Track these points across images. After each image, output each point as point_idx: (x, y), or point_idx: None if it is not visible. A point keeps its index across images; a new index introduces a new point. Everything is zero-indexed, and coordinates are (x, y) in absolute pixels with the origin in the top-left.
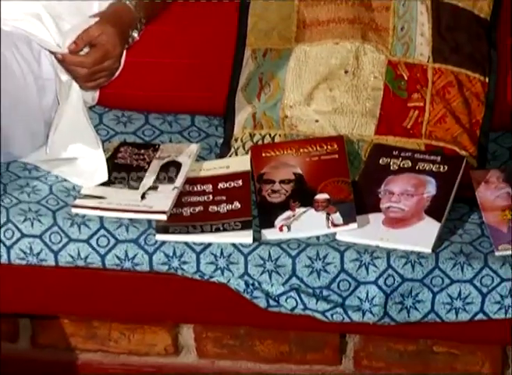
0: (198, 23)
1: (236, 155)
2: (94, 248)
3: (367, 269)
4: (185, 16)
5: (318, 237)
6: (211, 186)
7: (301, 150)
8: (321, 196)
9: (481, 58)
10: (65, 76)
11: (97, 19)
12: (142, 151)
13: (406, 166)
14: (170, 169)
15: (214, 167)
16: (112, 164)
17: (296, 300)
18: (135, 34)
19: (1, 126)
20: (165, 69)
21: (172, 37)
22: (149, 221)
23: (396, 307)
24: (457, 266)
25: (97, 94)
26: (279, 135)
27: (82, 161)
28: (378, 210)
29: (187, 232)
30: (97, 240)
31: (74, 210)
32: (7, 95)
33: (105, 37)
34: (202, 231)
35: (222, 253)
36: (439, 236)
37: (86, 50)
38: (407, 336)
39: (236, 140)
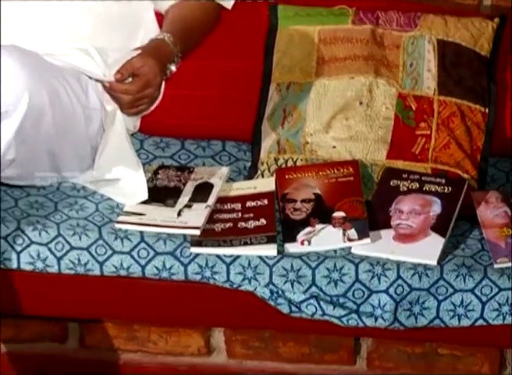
0: (228, 59)
1: (263, 177)
2: (135, 260)
3: (379, 279)
4: (216, 52)
5: (335, 251)
6: (239, 204)
7: (320, 173)
8: (338, 214)
9: (481, 91)
10: (110, 106)
11: (139, 52)
12: (178, 173)
13: (414, 187)
14: (203, 189)
15: (242, 188)
16: (152, 184)
17: (315, 306)
18: (172, 67)
19: (53, 151)
20: (199, 100)
21: (206, 72)
22: (184, 235)
23: (405, 313)
24: (460, 277)
25: (138, 122)
26: (301, 159)
27: (125, 182)
28: (389, 227)
29: (218, 245)
30: (138, 252)
31: (117, 226)
32: (58, 123)
33: (147, 68)
34: (232, 245)
35: (249, 264)
36: (444, 250)
37: (129, 80)
38: (414, 339)
39: (262, 163)
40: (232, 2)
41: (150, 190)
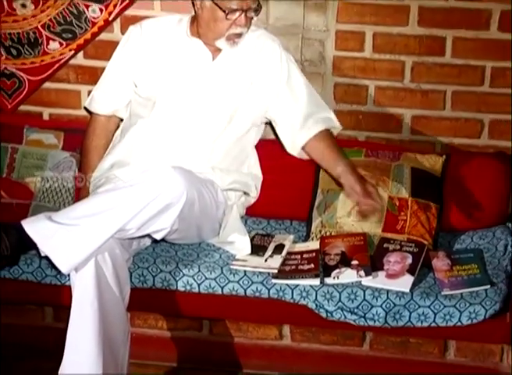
0: (295, 175)
1: (313, 240)
2: (241, 285)
3: (376, 299)
4: (288, 171)
5: (352, 283)
6: (299, 256)
7: (345, 239)
8: (354, 262)
9: (435, 195)
10: (229, 201)
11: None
12: (265, 238)
13: (397, 248)
14: (279, 247)
15: (301, 246)
16: (251, 244)
17: (340, 314)
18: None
19: (198, 225)
20: (277, 199)
21: (284, 183)
22: (268, 273)
23: (391, 318)
24: (422, 298)
25: (244, 210)
26: (334, 232)
27: (237, 243)
28: (383, 270)
29: (287, 278)
30: (243, 281)
31: (232, 267)
32: (201, 209)
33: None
34: (295, 278)
35: (304, 289)
36: (413, 283)
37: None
38: (396, 333)
39: (312, 233)
40: (338, 126)
41: (251, 247)
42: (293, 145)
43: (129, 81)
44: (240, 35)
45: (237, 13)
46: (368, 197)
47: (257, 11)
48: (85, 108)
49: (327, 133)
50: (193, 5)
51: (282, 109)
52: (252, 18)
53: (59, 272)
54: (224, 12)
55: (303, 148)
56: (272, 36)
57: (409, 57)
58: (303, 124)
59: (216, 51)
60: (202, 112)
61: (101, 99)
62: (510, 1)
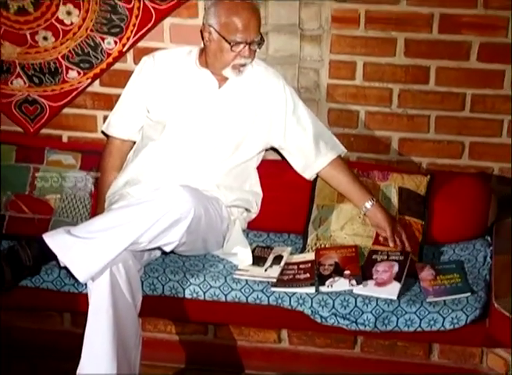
0: (294, 192)
1: (308, 252)
2: (242, 293)
3: (367, 305)
4: (289, 189)
5: (344, 291)
6: (296, 266)
7: (338, 251)
8: (347, 272)
9: (421, 212)
10: (233, 216)
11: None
12: (265, 249)
13: (384, 258)
14: (278, 258)
15: (298, 257)
16: (252, 255)
17: (334, 319)
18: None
19: (204, 238)
20: (276, 214)
21: (283, 200)
22: (268, 281)
23: (380, 324)
24: (409, 305)
25: (246, 224)
26: (328, 244)
27: (239, 254)
28: (372, 278)
29: (285, 287)
30: (245, 290)
31: (235, 276)
32: (207, 224)
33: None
34: (292, 286)
35: (300, 296)
36: (400, 291)
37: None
38: (385, 337)
39: (308, 245)
40: (344, 150)
41: (252, 258)
42: (307, 170)
43: (142, 107)
44: (244, 65)
45: (241, 45)
46: (396, 236)
47: (260, 44)
48: (102, 132)
49: (341, 162)
50: (202, 37)
51: (291, 138)
52: (256, 50)
53: (77, 281)
54: (229, 44)
55: (317, 173)
56: (274, 71)
57: (396, 85)
58: (316, 151)
59: (223, 80)
60: (209, 135)
61: (116, 124)
62: None
